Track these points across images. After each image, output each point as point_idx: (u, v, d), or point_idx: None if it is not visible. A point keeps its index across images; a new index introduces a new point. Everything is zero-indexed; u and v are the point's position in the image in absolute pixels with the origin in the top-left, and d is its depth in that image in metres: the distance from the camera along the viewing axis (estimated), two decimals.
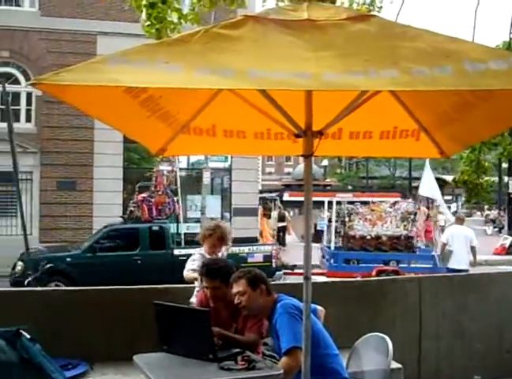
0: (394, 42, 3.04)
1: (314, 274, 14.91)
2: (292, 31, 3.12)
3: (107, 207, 22.17)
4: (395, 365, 5.44)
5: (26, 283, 11.20)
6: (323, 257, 16.66)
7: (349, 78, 2.66)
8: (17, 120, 21.18)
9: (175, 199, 16.63)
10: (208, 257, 6.47)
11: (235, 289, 4.40)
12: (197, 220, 21.53)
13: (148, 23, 7.01)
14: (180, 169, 24.66)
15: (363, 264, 14.77)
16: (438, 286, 7.34)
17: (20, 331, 3.89)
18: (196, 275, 5.97)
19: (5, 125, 21.11)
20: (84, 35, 23.18)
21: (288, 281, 11.81)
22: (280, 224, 28.91)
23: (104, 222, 19.14)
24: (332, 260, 15.27)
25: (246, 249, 15.13)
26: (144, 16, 7.26)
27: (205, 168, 20.27)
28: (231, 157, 22.95)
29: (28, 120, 23.03)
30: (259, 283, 4.40)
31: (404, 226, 15.33)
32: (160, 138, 4.31)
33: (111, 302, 6.13)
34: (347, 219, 15.69)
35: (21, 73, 23.20)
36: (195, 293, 6.32)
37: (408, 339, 6.82)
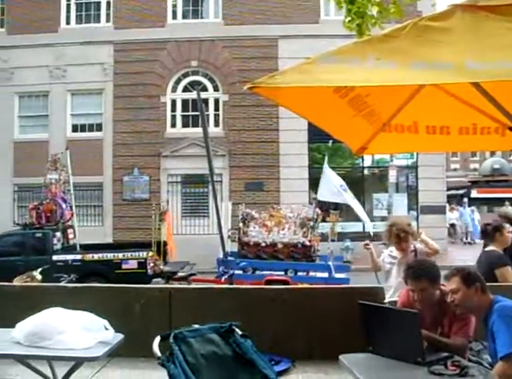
0: None
1: (203, 281, 13.73)
2: (506, 17, 2.93)
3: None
4: None
5: None
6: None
7: None
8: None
9: (64, 206, 16.61)
10: (396, 254, 6.34)
11: (448, 287, 4.22)
12: (384, 219, 21.23)
13: (349, 18, 6.95)
14: (364, 167, 24.62)
15: (258, 273, 13.52)
16: None
17: (233, 327, 4.02)
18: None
19: (195, 130, 22.54)
20: (265, 40, 23.81)
21: None
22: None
23: None
24: (220, 268, 13.79)
25: (120, 255, 14.89)
26: (344, 12, 7.19)
27: (390, 166, 19.89)
28: (417, 154, 22.35)
29: (217, 124, 24.08)
30: (474, 280, 4.13)
31: (304, 233, 13.88)
32: (362, 137, 4.27)
33: (312, 301, 6.20)
34: (241, 224, 14.44)
35: (208, 80, 24.33)
36: (389, 284, 6.19)
37: None
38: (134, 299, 6.47)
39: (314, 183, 23.71)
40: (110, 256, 14.89)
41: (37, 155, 23.10)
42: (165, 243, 16.01)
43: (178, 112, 24.26)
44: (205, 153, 12.48)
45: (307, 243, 13.62)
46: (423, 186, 23.43)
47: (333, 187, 14.35)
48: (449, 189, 27.18)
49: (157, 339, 3.77)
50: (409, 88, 3.91)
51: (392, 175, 20.03)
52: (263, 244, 13.71)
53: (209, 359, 3.78)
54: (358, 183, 24.63)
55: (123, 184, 24.00)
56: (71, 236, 16.85)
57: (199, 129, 19.47)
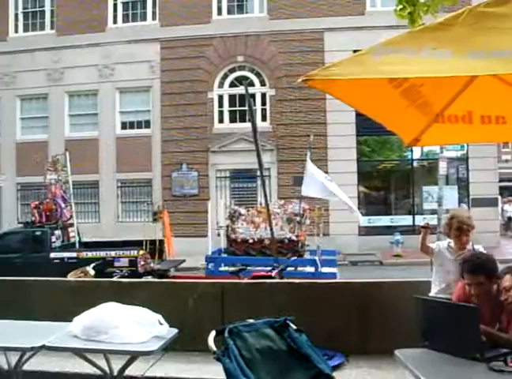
0: None
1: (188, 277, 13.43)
2: None
3: None
4: None
5: None
6: None
7: None
8: None
9: (63, 205, 17.04)
10: (454, 249, 6.15)
11: (502, 285, 4.14)
12: (434, 212, 20.91)
13: (401, 6, 6.82)
14: (413, 160, 24.26)
15: (249, 269, 12.76)
16: None
17: (287, 321, 4.00)
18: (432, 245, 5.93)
19: (243, 125, 22.59)
20: (311, 33, 23.64)
21: None
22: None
23: (341, 215, 19.32)
24: (209, 265, 13.94)
25: (112, 253, 15.07)
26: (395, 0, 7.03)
27: (440, 158, 19.48)
28: (467, 145, 21.89)
29: (264, 119, 24.04)
30: None
31: (291, 228, 13.71)
32: (415, 128, 4.19)
33: (365, 296, 6.14)
34: (229, 221, 14.27)
35: (255, 75, 24.31)
36: (434, 277, 6.03)
37: None
38: (187, 294, 6.52)
39: (362, 176, 23.61)
40: (103, 254, 15.11)
41: (87, 153, 23.58)
42: (161, 242, 16.12)
43: (226, 107, 24.34)
44: (252, 148, 12.44)
45: (294, 238, 13.54)
46: (474, 178, 22.96)
47: (317, 181, 13.85)
48: (501, 180, 26.60)
49: (212, 333, 3.77)
50: (464, 77, 3.81)
51: (442, 167, 19.60)
52: (251, 240, 13.66)
53: (264, 354, 3.76)
54: (407, 176, 24.35)
55: (172, 180, 24.23)
56: (72, 234, 17.22)
57: (246, 124, 19.50)
